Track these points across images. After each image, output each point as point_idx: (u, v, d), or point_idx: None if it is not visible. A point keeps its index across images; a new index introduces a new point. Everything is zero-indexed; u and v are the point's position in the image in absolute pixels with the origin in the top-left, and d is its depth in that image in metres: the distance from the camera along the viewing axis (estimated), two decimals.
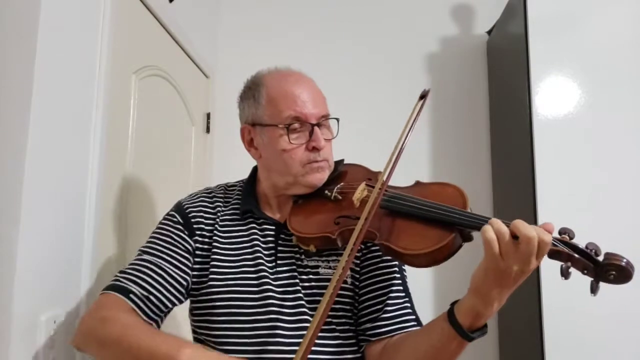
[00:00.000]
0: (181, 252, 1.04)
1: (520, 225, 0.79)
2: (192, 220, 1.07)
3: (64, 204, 1.12)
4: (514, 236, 0.79)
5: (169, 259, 1.02)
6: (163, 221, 1.09)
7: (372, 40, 2.23)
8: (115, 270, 1.32)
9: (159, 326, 1.02)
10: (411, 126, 0.98)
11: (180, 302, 1.04)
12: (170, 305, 1.02)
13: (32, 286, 0.99)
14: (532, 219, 1.56)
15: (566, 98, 1.63)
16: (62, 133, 1.11)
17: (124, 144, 1.42)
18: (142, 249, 1.05)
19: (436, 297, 2.02)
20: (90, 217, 1.20)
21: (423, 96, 1.05)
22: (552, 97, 1.63)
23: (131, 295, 0.97)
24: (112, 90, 1.29)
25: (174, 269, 1.02)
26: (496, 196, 2.05)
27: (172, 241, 1.05)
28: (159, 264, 1.01)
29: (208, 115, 2.10)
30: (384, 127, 2.12)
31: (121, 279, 0.99)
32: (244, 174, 1.22)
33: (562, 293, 1.50)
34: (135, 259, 1.04)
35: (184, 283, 1.03)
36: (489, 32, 2.12)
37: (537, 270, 1.52)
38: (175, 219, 1.08)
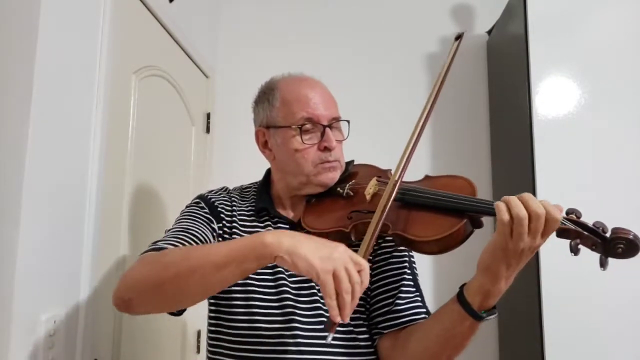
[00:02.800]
0: (209, 229, 1.05)
1: (530, 200, 0.81)
2: (217, 208, 1.09)
3: (64, 204, 1.12)
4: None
5: (200, 230, 1.03)
6: (188, 207, 1.11)
7: (372, 40, 2.23)
8: (116, 270, 1.33)
9: None
10: (447, 70, 1.00)
11: None
12: None
13: (32, 286, 0.99)
14: None
15: (566, 98, 1.63)
16: (62, 133, 1.11)
17: (124, 144, 1.42)
18: (171, 227, 1.05)
19: (435, 291, 2.02)
20: (90, 217, 1.20)
21: (458, 37, 1.06)
22: (552, 97, 1.63)
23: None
24: (112, 90, 1.29)
25: (206, 237, 1.03)
26: (496, 196, 2.04)
27: (200, 220, 1.06)
28: (191, 231, 1.02)
29: (208, 115, 2.10)
30: (384, 127, 2.13)
31: (158, 244, 0.98)
32: (244, 174, 1.21)
33: (561, 286, 1.51)
34: (166, 234, 1.03)
35: None
36: (489, 32, 2.13)
37: (537, 263, 1.53)
38: (200, 205, 1.10)
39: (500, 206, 0.82)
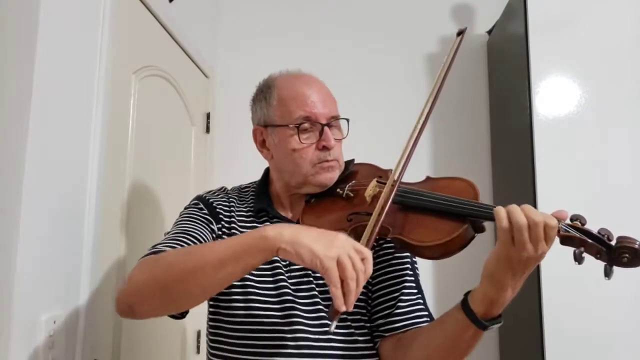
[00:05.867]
0: (208, 230, 1.04)
1: (528, 211, 0.81)
2: (216, 209, 1.08)
3: (64, 204, 1.12)
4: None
5: (200, 232, 1.02)
6: (187, 208, 1.10)
7: (372, 40, 2.23)
8: (116, 270, 1.33)
9: None
10: (448, 67, 0.97)
11: None
12: None
13: (32, 286, 0.99)
14: None
15: (566, 98, 1.63)
16: (62, 133, 1.10)
17: (124, 144, 1.42)
18: (171, 230, 1.04)
19: (436, 295, 2.01)
20: (90, 217, 1.20)
21: (460, 33, 1.05)
22: (552, 97, 1.64)
23: None
24: (112, 90, 1.29)
25: (205, 238, 1.02)
26: (496, 196, 2.05)
27: (199, 221, 1.05)
28: (190, 232, 1.01)
29: (208, 115, 2.10)
30: (384, 127, 2.13)
31: (157, 247, 0.97)
32: (244, 174, 1.21)
33: (562, 290, 1.51)
34: (165, 237, 1.01)
35: None
36: (489, 32, 2.13)
37: (538, 270, 1.52)
38: (199, 206, 1.09)
39: (500, 212, 0.82)
